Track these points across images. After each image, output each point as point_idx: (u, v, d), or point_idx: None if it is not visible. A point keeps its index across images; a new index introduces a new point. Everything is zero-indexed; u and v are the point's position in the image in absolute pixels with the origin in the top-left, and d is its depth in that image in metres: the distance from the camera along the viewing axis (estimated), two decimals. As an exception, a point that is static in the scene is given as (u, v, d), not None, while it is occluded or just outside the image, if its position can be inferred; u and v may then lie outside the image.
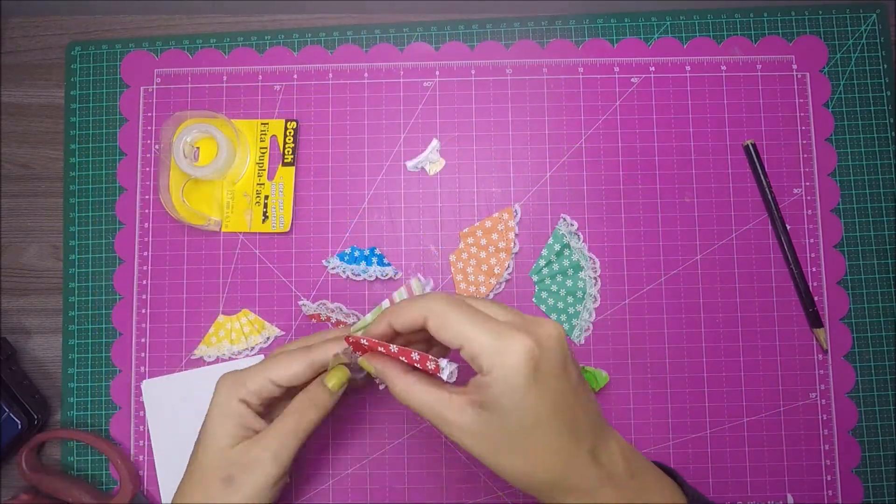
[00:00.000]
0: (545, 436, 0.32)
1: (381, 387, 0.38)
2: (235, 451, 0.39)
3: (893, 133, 0.51)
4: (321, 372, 0.41)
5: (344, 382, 0.40)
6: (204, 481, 0.39)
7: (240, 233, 0.51)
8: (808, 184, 0.50)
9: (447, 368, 0.34)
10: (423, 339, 0.39)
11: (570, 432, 0.33)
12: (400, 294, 0.40)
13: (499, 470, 0.33)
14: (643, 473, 0.35)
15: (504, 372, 0.31)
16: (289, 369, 0.40)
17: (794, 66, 0.51)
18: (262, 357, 0.50)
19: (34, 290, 0.52)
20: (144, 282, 0.51)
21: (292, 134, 0.51)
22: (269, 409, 0.42)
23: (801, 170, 0.51)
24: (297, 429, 0.39)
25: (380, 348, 0.37)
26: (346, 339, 0.39)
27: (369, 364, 0.37)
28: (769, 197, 0.50)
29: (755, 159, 0.50)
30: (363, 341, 0.37)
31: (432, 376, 0.35)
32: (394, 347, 0.36)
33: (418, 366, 0.35)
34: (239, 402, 0.39)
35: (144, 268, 0.51)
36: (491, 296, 0.50)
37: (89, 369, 0.50)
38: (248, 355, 0.50)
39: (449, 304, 0.34)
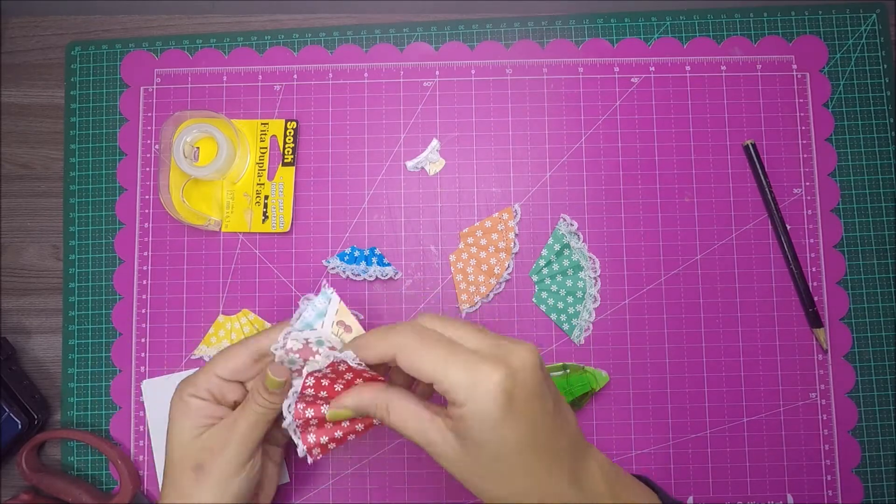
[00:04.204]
0: (522, 463, 0.32)
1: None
2: (202, 439, 0.39)
3: (893, 133, 0.51)
4: (266, 361, 0.41)
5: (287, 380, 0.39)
6: (176, 475, 0.39)
7: (240, 233, 0.51)
8: (808, 184, 0.50)
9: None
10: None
11: (548, 458, 0.33)
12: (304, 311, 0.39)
13: (477, 493, 0.33)
14: (624, 491, 0.35)
15: (477, 406, 0.31)
16: (229, 363, 0.40)
17: (794, 66, 0.51)
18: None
19: (34, 290, 0.52)
20: (144, 282, 0.51)
21: (292, 134, 0.51)
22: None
23: (801, 170, 0.51)
24: (259, 410, 0.39)
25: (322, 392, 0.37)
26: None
27: (340, 411, 0.37)
28: (769, 197, 0.50)
29: (755, 159, 0.50)
30: (309, 381, 0.36)
31: (417, 396, 0.36)
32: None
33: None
34: (191, 397, 0.40)
35: (144, 268, 0.51)
36: (491, 296, 0.50)
37: (89, 369, 0.50)
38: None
39: (418, 340, 0.33)
